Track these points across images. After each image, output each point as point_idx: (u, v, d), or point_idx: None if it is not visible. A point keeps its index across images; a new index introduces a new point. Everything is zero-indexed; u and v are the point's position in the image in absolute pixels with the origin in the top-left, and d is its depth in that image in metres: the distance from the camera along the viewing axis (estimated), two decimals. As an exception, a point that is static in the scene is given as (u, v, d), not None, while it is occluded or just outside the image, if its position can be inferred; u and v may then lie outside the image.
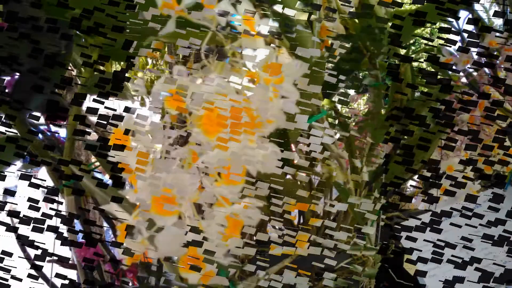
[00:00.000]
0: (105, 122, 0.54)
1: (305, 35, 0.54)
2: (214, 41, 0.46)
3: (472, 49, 0.88)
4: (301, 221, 0.79)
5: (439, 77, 0.76)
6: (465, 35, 1.10)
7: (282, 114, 0.46)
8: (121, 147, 0.47)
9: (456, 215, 0.91)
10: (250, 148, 0.42)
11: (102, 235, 1.62)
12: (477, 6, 1.07)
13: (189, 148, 0.44)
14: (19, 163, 0.98)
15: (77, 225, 0.94)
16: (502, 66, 1.02)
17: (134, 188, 0.45)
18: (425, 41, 0.91)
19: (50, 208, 0.67)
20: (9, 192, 0.72)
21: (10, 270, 0.61)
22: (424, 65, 0.83)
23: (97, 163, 0.92)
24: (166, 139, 0.47)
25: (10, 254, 0.63)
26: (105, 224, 0.93)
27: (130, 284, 0.91)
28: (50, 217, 0.65)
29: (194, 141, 0.43)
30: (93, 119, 0.92)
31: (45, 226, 0.68)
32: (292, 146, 0.65)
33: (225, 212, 0.41)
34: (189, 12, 0.45)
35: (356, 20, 0.71)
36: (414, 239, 0.80)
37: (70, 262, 1.00)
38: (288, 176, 0.57)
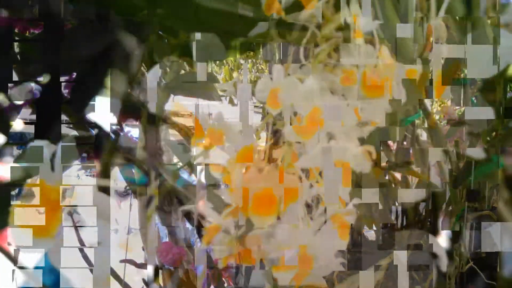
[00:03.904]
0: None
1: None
2: (313, 41, 0.46)
3: None
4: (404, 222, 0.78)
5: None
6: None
7: (383, 114, 0.46)
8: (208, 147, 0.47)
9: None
10: (348, 149, 0.42)
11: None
12: None
13: (289, 148, 0.43)
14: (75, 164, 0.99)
15: (158, 224, 0.94)
16: None
17: (229, 187, 0.45)
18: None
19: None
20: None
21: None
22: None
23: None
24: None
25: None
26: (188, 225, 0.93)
27: (226, 284, 0.91)
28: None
29: (293, 141, 0.43)
30: (176, 119, 0.93)
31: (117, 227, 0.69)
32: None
33: (333, 212, 0.41)
34: (287, 12, 0.45)
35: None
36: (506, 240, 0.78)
37: (142, 262, 1.01)
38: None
